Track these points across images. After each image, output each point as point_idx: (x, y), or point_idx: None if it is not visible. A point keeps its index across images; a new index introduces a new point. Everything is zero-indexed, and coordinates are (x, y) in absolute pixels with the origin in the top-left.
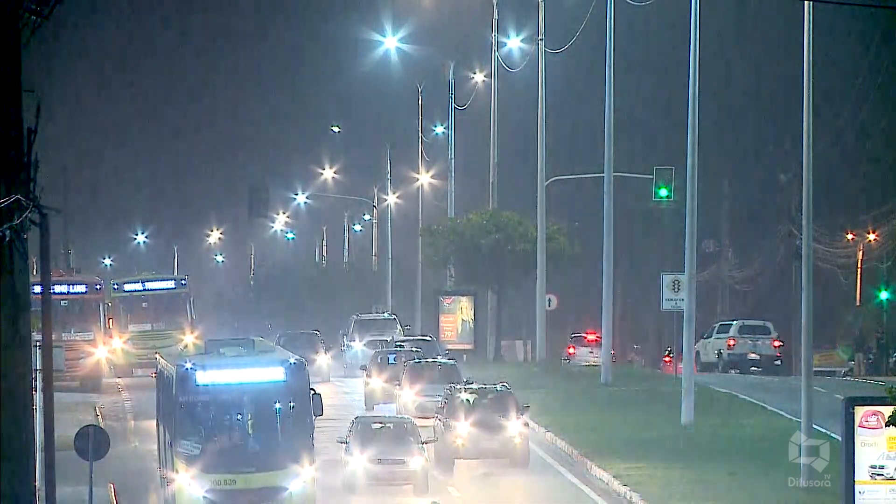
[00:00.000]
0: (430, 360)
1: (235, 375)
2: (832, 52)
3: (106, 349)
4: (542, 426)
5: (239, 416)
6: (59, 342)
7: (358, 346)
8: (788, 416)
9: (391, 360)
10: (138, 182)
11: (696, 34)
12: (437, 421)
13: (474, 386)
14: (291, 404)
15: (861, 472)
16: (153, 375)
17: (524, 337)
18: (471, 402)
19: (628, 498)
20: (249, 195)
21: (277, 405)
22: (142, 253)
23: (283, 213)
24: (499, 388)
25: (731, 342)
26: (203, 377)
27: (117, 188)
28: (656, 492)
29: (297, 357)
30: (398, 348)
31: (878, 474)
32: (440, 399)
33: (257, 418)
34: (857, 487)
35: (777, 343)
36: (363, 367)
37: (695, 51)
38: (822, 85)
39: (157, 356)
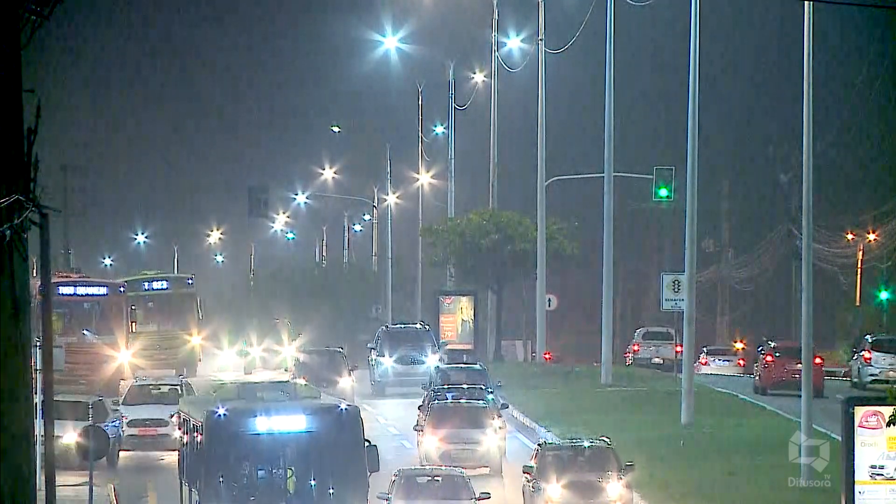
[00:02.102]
0: (457, 400)
1: (277, 423)
2: (832, 52)
3: (129, 353)
4: (543, 427)
5: (281, 472)
6: (77, 344)
7: (388, 363)
8: (788, 416)
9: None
10: (138, 182)
11: (696, 34)
12: (526, 482)
13: (569, 441)
14: (342, 458)
15: (861, 472)
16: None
17: (524, 337)
18: (565, 459)
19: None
20: (249, 195)
21: (326, 459)
22: (142, 253)
23: (283, 213)
24: (597, 444)
25: (636, 347)
26: (239, 426)
27: (117, 188)
28: (656, 492)
29: (350, 403)
30: (440, 376)
31: (878, 474)
32: (469, 447)
33: (302, 475)
34: (857, 487)
35: (679, 348)
36: (417, 428)
37: (695, 51)
38: (823, 85)
39: (180, 404)
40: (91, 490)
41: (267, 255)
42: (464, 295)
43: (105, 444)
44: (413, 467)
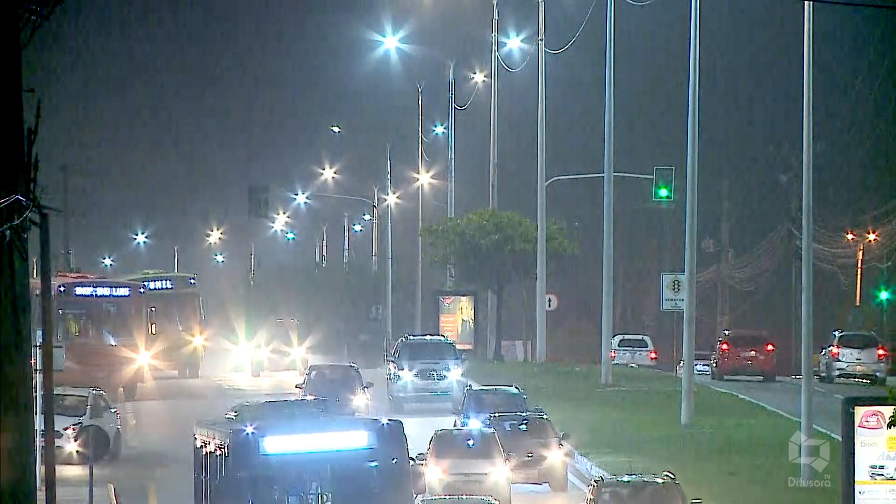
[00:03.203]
0: (463, 429)
1: (312, 442)
2: (832, 52)
3: (149, 355)
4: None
5: (316, 497)
6: (94, 346)
7: (407, 377)
8: (788, 416)
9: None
10: (138, 182)
11: (696, 34)
12: None
13: (632, 477)
14: (385, 480)
15: (861, 472)
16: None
17: (524, 337)
18: (624, 496)
19: None
20: (249, 195)
21: (366, 481)
22: (142, 253)
23: (283, 213)
24: (660, 481)
25: (612, 354)
26: (270, 445)
27: (117, 188)
28: None
29: (392, 418)
30: (473, 399)
31: (878, 474)
32: (475, 479)
33: (340, 499)
34: (857, 487)
35: (653, 355)
36: (419, 456)
37: (695, 51)
38: (822, 85)
39: (195, 426)
40: (91, 490)
41: (267, 255)
42: (464, 295)
43: (105, 444)
44: (435, 496)
